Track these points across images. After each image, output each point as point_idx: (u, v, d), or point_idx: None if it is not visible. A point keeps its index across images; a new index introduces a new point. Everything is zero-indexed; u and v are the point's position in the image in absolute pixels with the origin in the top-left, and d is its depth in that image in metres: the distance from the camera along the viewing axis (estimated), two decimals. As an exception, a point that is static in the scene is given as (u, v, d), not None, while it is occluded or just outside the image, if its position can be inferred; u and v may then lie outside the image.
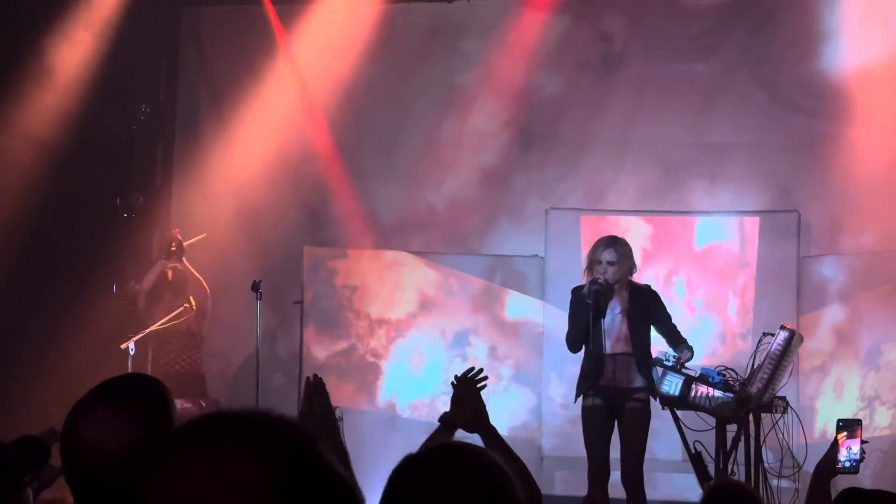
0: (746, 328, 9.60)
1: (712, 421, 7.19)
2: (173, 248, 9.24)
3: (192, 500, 1.07)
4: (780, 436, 7.09)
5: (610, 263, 7.18)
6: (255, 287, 8.37)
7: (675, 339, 7.35)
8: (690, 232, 9.92)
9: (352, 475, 1.15)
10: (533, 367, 9.83)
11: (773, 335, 7.14)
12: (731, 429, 7.18)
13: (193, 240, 9.35)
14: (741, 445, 7.08)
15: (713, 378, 7.14)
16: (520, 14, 10.33)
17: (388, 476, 1.87)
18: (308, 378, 3.40)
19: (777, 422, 7.13)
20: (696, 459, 7.07)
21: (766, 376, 7.02)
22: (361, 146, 10.52)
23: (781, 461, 7.14)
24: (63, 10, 9.72)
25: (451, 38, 10.49)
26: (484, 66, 10.35)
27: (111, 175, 10.07)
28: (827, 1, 9.93)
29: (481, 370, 3.73)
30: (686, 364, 7.26)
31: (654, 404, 7.22)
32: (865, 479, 8.19)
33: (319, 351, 9.90)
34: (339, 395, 8.93)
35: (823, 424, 9.12)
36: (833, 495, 4.24)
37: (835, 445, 4.53)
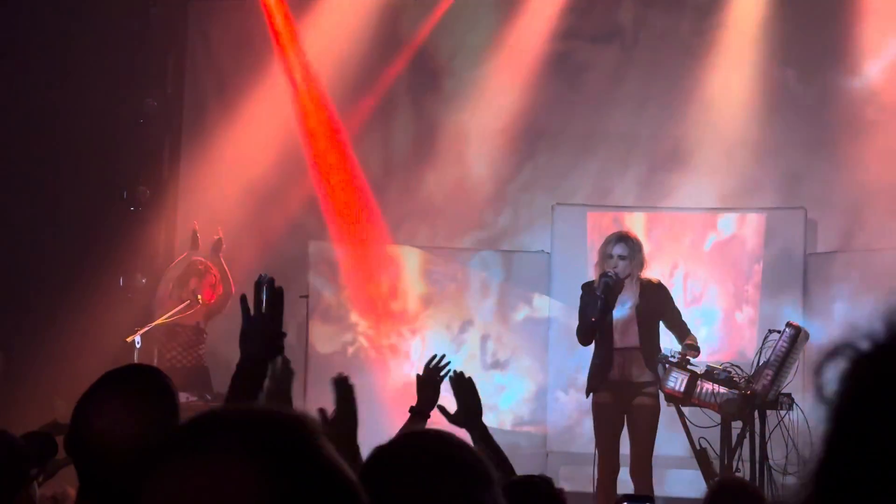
0: (752, 325, 9.59)
1: (717, 418, 7.19)
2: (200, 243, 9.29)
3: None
4: (786, 433, 7.09)
5: (621, 258, 7.26)
6: (261, 281, 8.37)
7: (683, 334, 7.37)
8: (696, 228, 9.91)
9: (355, 468, 1.14)
10: (538, 362, 9.82)
11: (779, 332, 7.14)
12: (737, 426, 7.19)
13: (217, 238, 9.35)
14: (746, 442, 7.09)
15: (718, 375, 7.14)
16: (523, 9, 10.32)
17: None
18: (340, 377, 3.48)
19: (782, 419, 7.13)
20: (701, 456, 7.07)
21: (771, 373, 7.02)
22: (369, 140, 10.52)
23: (787, 458, 7.13)
24: (71, 4, 9.73)
25: (459, 30, 10.47)
26: (491, 59, 10.34)
27: (118, 169, 10.07)
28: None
29: (444, 357, 4.00)
30: (691, 361, 7.27)
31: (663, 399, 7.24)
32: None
33: (325, 345, 9.91)
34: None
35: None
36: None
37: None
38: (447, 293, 10.04)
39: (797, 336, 7.10)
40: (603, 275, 7.19)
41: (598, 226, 9.95)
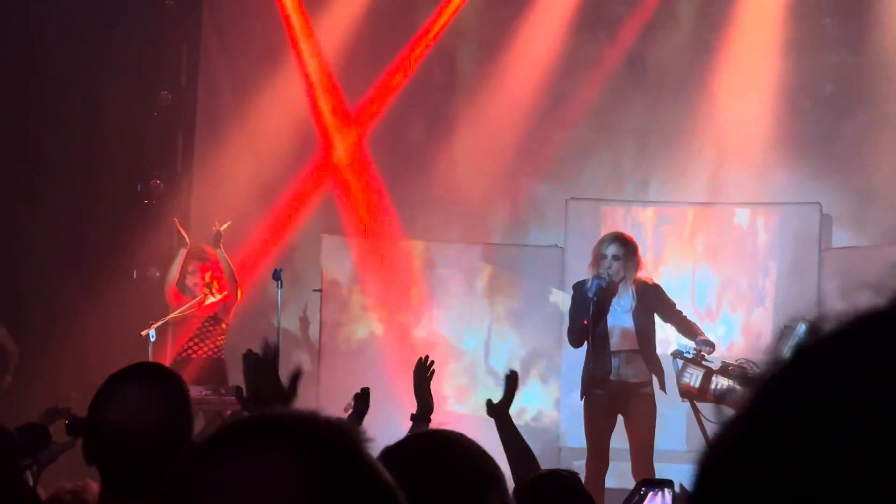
0: (767, 320, 9.56)
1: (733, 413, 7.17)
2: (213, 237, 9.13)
3: (234, 502, 1.08)
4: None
5: (615, 258, 7.15)
6: (277, 276, 8.37)
7: (685, 327, 7.33)
8: (711, 223, 9.89)
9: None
10: (552, 357, 9.81)
11: (793, 328, 7.11)
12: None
13: (224, 226, 9.25)
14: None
15: (733, 370, 7.13)
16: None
17: None
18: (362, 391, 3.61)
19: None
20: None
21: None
22: (382, 133, 10.51)
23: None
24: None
25: (474, 22, 10.45)
26: (506, 52, 10.32)
27: (132, 162, 10.08)
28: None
29: (429, 359, 4.26)
30: (706, 356, 7.25)
31: (664, 396, 7.21)
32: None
33: (338, 339, 9.91)
34: (359, 384, 8.91)
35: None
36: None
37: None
38: (460, 287, 10.03)
39: (813, 332, 7.06)
40: (595, 277, 7.10)
41: (612, 221, 9.94)
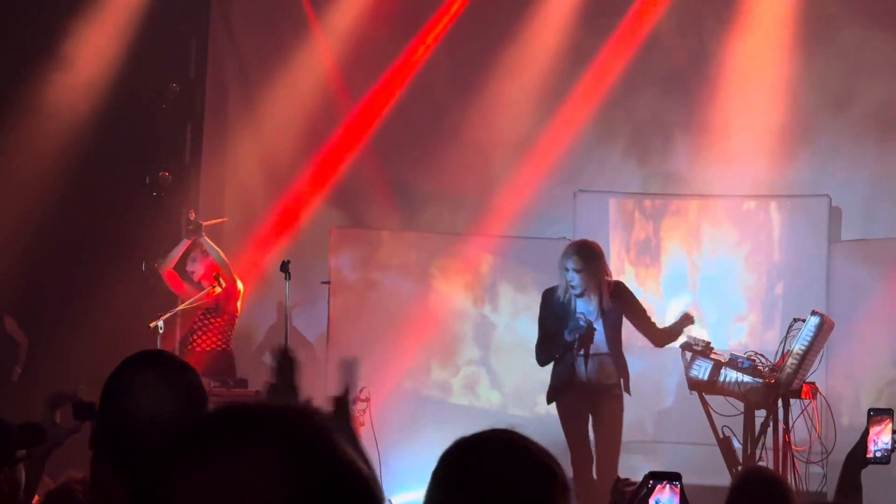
0: (776, 313, 9.54)
1: (741, 406, 7.17)
2: (189, 227, 9.12)
3: (209, 498, 1.07)
4: (809, 422, 7.06)
5: (576, 271, 7.05)
6: (284, 267, 8.36)
7: (654, 334, 7.27)
8: (719, 215, 9.87)
9: (367, 463, 1.15)
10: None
11: (803, 321, 7.10)
12: (760, 414, 7.16)
13: (213, 222, 9.28)
14: (770, 431, 7.06)
15: (742, 363, 7.12)
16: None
17: (439, 456, 1.94)
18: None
19: (806, 407, 7.10)
20: (724, 444, 7.06)
21: (795, 362, 6.98)
22: (390, 126, 10.50)
23: (810, 447, 7.10)
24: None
25: (483, 14, 10.43)
26: (513, 45, 10.30)
27: (140, 154, 10.09)
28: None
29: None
30: (712, 347, 7.26)
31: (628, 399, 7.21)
32: None
33: (347, 331, 9.91)
34: (367, 376, 8.93)
35: (852, 411, 9.07)
36: (864, 486, 4.21)
37: (865, 435, 4.48)
38: (468, 280, 10.03)
39: (821, 324, 7.06)
40: (573, 324, 7.02)
41: (621, 213, 9.93)
